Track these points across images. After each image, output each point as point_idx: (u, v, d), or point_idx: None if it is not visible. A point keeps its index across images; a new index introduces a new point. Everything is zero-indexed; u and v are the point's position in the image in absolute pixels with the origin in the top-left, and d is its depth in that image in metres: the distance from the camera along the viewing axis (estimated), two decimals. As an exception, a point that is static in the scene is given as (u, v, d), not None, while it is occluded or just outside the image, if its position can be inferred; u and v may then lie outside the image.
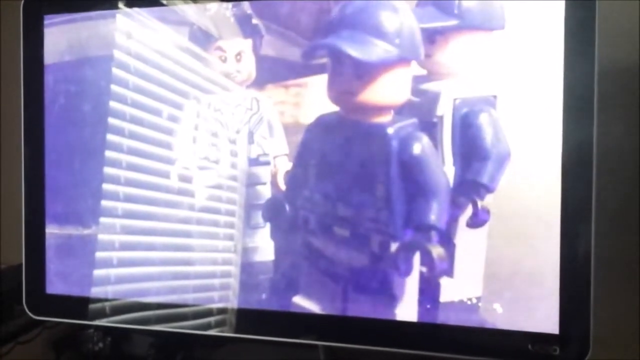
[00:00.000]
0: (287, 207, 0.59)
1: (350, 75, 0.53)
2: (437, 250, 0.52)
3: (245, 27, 0.61)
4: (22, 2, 0.66)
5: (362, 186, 0.55)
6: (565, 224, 0.51)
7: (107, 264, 0.65)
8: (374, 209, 0.55)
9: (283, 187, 0.60)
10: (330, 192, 0.57)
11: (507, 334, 0.53)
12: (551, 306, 0.51)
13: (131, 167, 0.63)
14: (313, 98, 0.58)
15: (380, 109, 0.54)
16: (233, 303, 0.61)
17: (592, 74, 0.50)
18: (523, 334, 0.52)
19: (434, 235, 0.53)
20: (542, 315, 0.52)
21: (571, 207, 0.51)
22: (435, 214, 0.53)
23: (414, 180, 0.53)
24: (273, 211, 0.60)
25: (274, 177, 0.61)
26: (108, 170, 0.64)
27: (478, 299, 0.54)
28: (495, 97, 0.54)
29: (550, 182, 0.51)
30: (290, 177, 0.59)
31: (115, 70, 0.64)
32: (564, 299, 0.51)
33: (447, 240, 0.54)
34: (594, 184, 0.50)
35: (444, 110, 0.54)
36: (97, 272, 0.65)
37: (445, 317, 0.55)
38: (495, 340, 0.53)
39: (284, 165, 0.60)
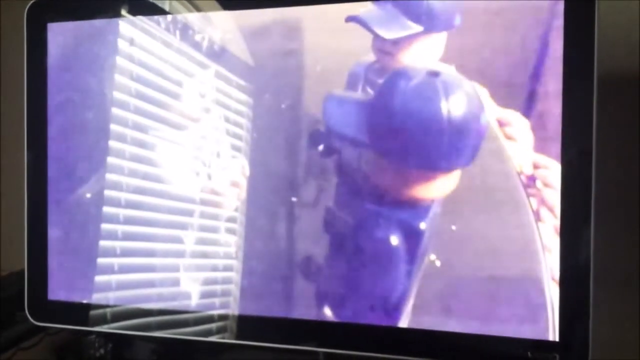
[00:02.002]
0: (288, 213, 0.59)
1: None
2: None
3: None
4: (26, 9, 0.67)
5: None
6: (565, 231, 0.51)
7: (109, 270, 0.65)
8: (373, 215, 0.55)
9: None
10: (333, 201, 0.57)
11: (506, 341, 0.52)
12: (551, 313, 0.51)
13: (133, 174, 0.64)
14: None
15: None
16: (234, 309, 0.61)
17: (592, 76, 0.50)
18: (523, 341, 0.52)
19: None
20: (542, 322, 0.52)
21: (570, 214, 0.51)
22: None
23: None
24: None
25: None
26: (110, 176, 0.64)
27: (477, 305, 0.54)
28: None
29: (550, 189, 0.51)
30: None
31: (118, 77, 0.64)
32: (564, 306, 0.51)
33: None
34: (593, 191, 0.50)
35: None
36: (99, 279, 0.65)
37: (446, 324, 0.54)
38: (495, 348, 0.53)
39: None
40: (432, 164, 0.54)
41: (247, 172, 0.60)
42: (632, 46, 0.68)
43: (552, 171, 0.51)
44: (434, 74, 0.53)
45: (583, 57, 0.50)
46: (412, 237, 0.55)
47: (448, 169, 0.53)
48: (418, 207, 0.54)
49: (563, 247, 0.51)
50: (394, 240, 0.55)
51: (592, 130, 0.50)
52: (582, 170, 0.50)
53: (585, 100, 0.50)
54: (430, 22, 0.54)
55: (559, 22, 0.51)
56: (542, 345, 0.51)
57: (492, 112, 0.53)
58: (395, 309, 0.55)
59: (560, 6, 0.51)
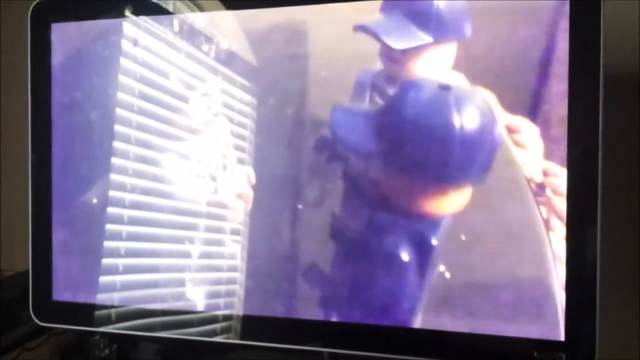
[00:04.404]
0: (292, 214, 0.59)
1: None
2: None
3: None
4: (30, 10, 0.67)
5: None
6: (571, 230, 0.51)
7: (113, 270, 0.65)
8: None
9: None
10: (341, 209, 0.57)
11: (513, 341, 0.52)
12: (557, 313, 0.51)
13: (137, 174, 0.64)
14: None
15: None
16: (238, 310, 0.61)
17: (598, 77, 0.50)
18: (529, 341, 0.52)
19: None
20: (548, 322, 0.51)
21: (577, 214, 0.50)
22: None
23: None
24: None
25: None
26: (114, 177, 0.64)
27: (483, 305, 0.54)
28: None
29: (556, 187, 0.51)
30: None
31: (122, 78, 0.64)
32: (570, 306, 0.51)
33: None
34: (600, 193, 0.49)
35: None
36: (103, 279, 0.65)
37: (452, 324, 0.54)
38: (501, 347, 0.53)
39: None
40: (445, 178, 0.53)
41: (253, 175, 0.60)
42: (635, 46, 0.67)
43: (561, 179, 0.50)
44: (446, 88, 0.52)
45: (589, 60, 0.50)
46: (423, 247, 0.54)
47: (460, 184, 0.53)
48: (429, 221, 0.54)
49: (570, 249, 0.51)
50: (404, 250, 0.55)
51: (598, 134, 0.49)
52: (588, 175, 0.50)
53: (592, 104, 0.49)
54: (439, 32, 0.53)
55: (565, 27, 0.50)
56: (548, 345, 0.51)
57: (502, 119, 0.52)
58: (403, 313, 0.55)
59: (566, 10, 0.50)
